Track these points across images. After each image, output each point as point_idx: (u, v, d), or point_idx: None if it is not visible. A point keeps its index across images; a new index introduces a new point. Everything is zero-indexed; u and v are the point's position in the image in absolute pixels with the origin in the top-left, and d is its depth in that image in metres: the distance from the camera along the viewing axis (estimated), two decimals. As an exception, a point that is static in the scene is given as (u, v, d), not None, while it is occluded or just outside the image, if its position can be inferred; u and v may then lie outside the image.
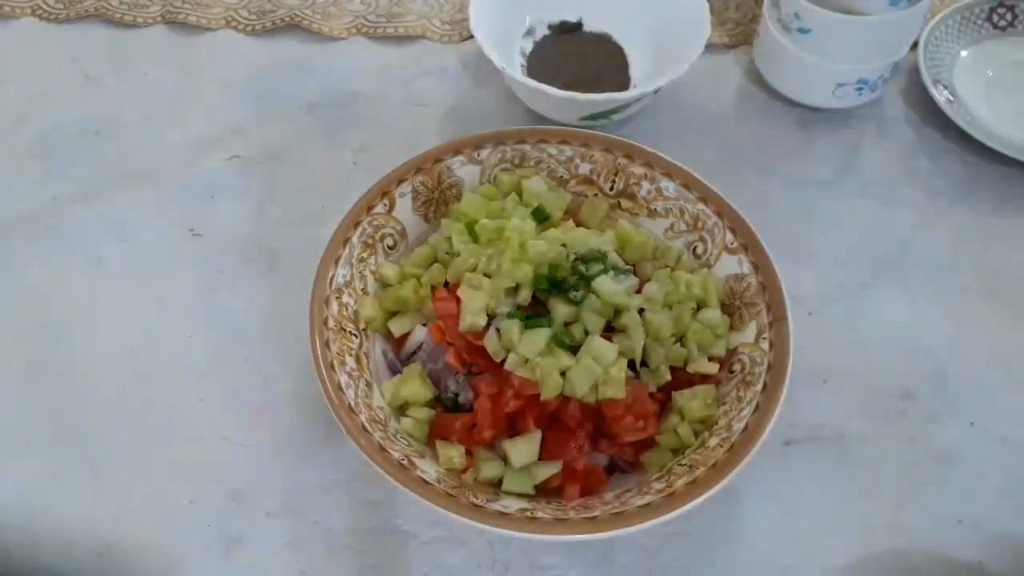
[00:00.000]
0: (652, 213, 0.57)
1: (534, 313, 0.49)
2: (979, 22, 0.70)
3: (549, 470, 0.47)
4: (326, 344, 0.48)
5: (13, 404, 0.53)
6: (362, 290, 0.53)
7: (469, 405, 0.49)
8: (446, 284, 0.52)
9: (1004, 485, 0.51)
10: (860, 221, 0.62)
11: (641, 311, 0.50)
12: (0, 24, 0.72)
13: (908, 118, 0.67)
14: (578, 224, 0.55)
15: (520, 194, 0.56)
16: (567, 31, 0.69)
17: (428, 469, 0.45)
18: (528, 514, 0.44)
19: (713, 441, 0.46)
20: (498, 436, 0.48)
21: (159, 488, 0.50)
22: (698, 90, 0.69)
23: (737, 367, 0.50)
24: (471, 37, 0.71)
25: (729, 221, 0.53)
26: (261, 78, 0.69)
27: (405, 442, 0.47)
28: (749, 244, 0.52)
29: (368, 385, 0.49)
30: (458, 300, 0.49)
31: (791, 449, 0.52)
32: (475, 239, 0.53)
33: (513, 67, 0.61)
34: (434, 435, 0.49)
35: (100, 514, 0.49)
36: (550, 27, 0.69)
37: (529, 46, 0.69)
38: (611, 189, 0.57)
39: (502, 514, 0.43)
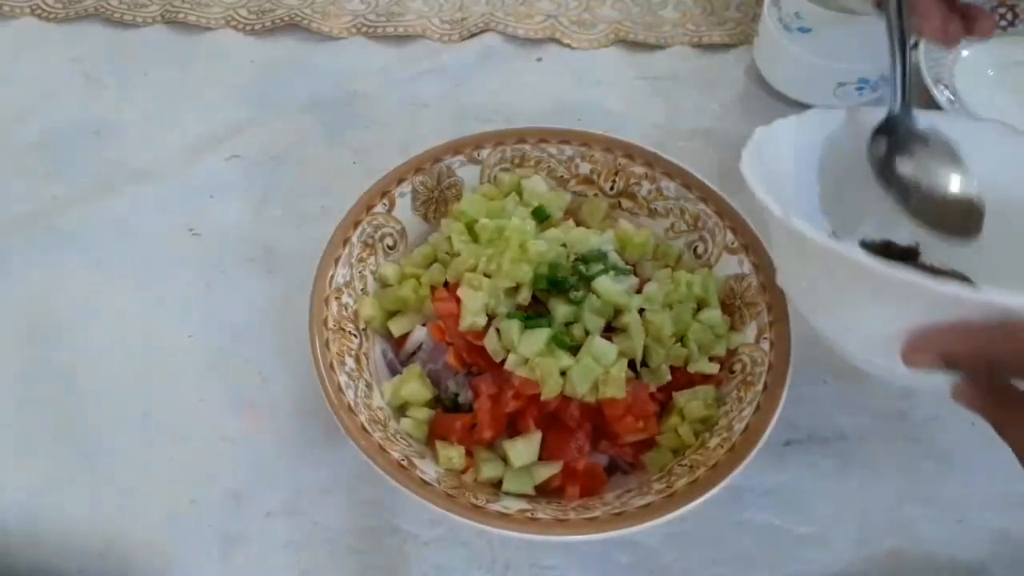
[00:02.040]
0: (652, 213, 0.57)
1: (534, 313, 0.49)
2: (980, 21, 0.70)
3: (549, 470, 0.47)
4: (326, 344, 0.48)
5: (13, 404, 0.53)
6: (362, 290, 0.53)
7: (469, 405, 0.49)
8: (446, 284, 0.52)
9: (1004, 485, 0.51)
10: (861, 221, 0.62)
11: (641, 311, 0.50)
12: (0, 24, 0.72)
13: (909, 117, 0.67)
14: (578, 224, 0.55)
15: (520, 194, 0.56)
16: (895, 256, 0.49)
17: (428, 469, 0.45)
18: (528, 514, 0.44)
19: (713, 441, 0.46)
20: (498, 436, 0.48)
21: (159, 488, 0.50)
22: (699, 90, 0.69)
23: (738, 367, 0.50)
24: (471, 37, 0.72)
25: (729, 221, 0.53)
26: (261, 78, 0.69)
27: (405, 442, 0.47)
28: (750, 244, 0.52)
29: (368, 385, 0.49)
30: (458, 300, 0.49)
31: (791, 449, 0.52)
32: (475, 239, 0.53)
33: None
34: (434, 435, 0.49)
35: (100, 514, 0.49)
36: (866, 244, 0.49)
37: None
38: (611, 189, 0.57)
39: (502, 514, 0.43)
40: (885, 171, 0.48)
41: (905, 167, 0.48)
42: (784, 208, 0.39)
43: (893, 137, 0.49)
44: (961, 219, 0.46)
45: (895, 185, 0.47)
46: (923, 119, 0.49)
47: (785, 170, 0.47)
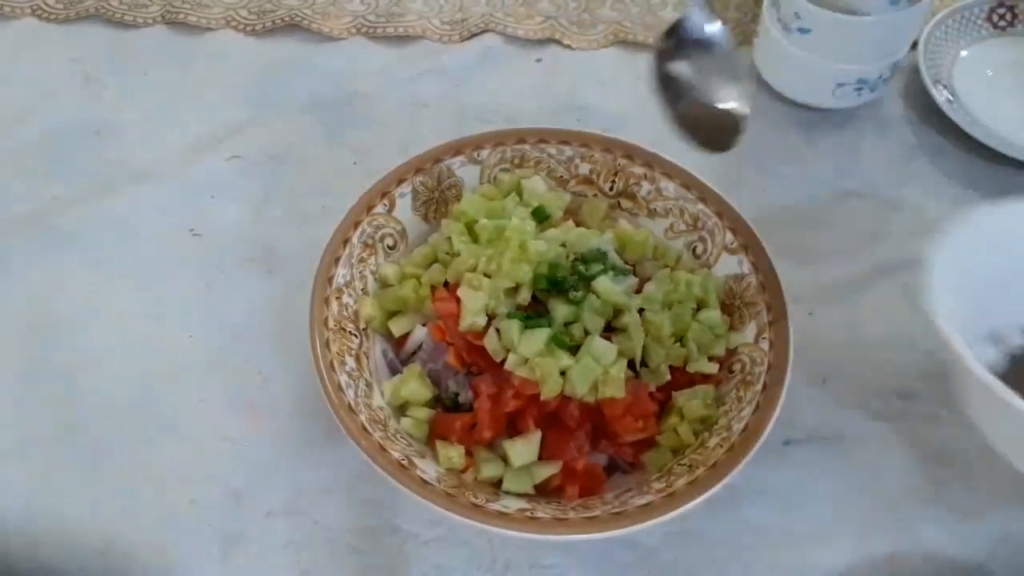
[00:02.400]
0: (652, 213, 0.57)
1: (534, 313, 0.49)
2: (979, 22, 0.70)
3: (549, 470, 0.47)
4: (326, 344, 0.48)
5: (13, 404, 0.53)
6: (362, 290, 0.53)
7: (469, 405, 0.49)
8: (446, 284, 0.52)
9: (1004, 485, 0.51)
10: (860, 221, 0.62)
11: (641, 311, 0.50)
12: (0, 24, 0.72)
13: (908, 118, 0.67)
14: (578, 224, 0.55)
15: (520, 194, 0.56)
16: None
17: (428, 469, 0.46)
18: (528, 514, 0.44)
19: (713, 441, 0.46)
20: (498, 436, 0.48)
21: (159, 488, 0.50)
22: (698, 90, 0.69)
23: (737, 367, 0.50)
24: (471, 37, 0.72)
25: (729, 221, 0.53)
26: (261, 78, 0.69)
27: (405, 442, 0.47)
28: (749, 244, 0.52)
29: (368, 385, 0.49)
30: (458, 300, 0.49)
31: (791, 449, 0.52)
32: (475, 239, 0.53)
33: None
34: (434, 435, 0.49)
35: (100, 514, 0.49)
36: None
37: (996, 359, 0.48)
38: (611, 189, 0.57)
39: (502, 514, 0.43)
40: (662, 72, 0.50)
41: (679, 70, 0.50)
42: (990, 375, 0.40)
43: (679, 39, 0.51)
44: (719, 131, 0.49)
45: (668, 88, 0.50)
46: None
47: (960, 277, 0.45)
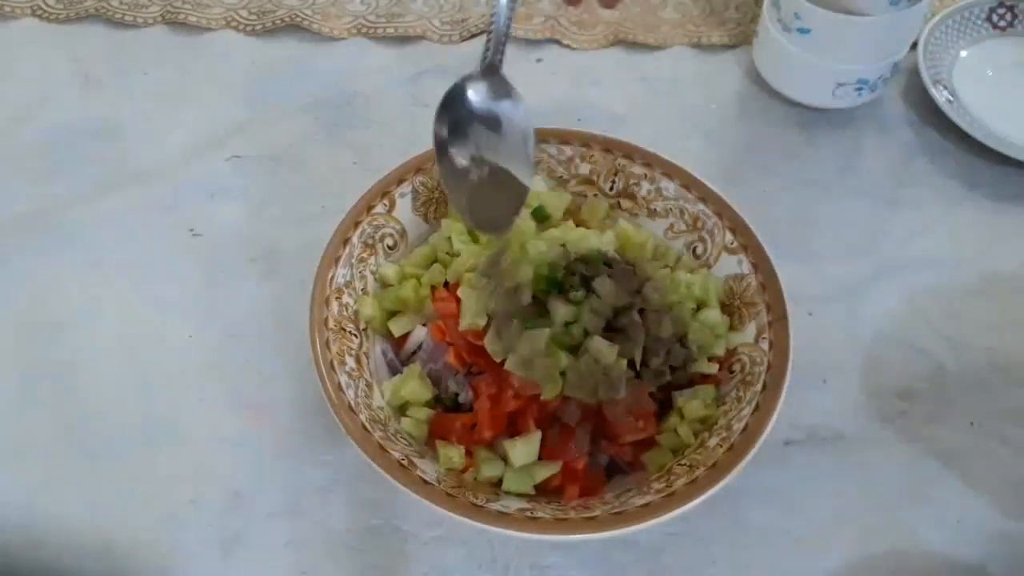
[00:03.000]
0: (652, 213, 0.57)
1: (534, 313, 0.49)
2: (979, 22, 0.70)
3: (549, 470, 0.47)
4: (326, 344, 0.48)
5: (13, 404, 0.53)
6: (362, 290, 0.53)
7: (469, 405, 0.49)
8: (446, 284, 0.52)
9: (1004, 485, 0.51)
10: (860, 221, 0.62)
11: (641, 311, 0.50)
12: (0, 24, 0.72)
13: (908, 118, 0.67)
14: (578, 224, 0.55)
15: (520, 194, 0.56)
16: None
17: (428, 469, 0.45)
18: (528, 514, 0.44)
19: (713, 441, 0.46)
20: (498, 436, 0.48)
21: (159, 488, 0.50)
22: (698, 90, 0.69)
23: (737, 367, 0.50)
24: (471, 37, 0.72)
25: (729, 221, 0.53)
26: (261, 78, 0.69)
27: (405, 442, 0.47)
28: (749, 244, 0.52)
29: (368, 385, 0.49)
30: (458, 300, 0.49)
31: (791, 449, 0.52)
32: (475, 239, 0.53)
33: None
34: (434, 435, 0.49)
35: (100, 514, 0.49)
36: None
37: None
38: (611, 189, 0.57)
39: (502, 514, 0.43)
40: (442, 146, 0.43)
41: (461, 148, 0.43)
42: None
43: (462, 108, 0.43)
44: (497, 209, 0.43)
45: (447, 164, 0.43)
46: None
47: None
